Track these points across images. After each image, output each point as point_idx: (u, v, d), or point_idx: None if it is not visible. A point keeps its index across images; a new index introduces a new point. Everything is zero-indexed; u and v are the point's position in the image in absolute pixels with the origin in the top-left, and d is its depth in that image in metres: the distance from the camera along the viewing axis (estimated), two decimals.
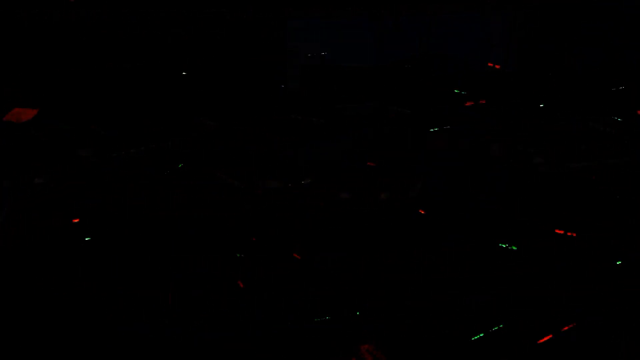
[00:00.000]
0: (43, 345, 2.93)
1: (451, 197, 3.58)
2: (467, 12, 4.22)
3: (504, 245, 3.22)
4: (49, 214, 3.51)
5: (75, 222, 3.47)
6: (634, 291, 3.08)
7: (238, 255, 3.29)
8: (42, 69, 4.44)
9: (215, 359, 2.88)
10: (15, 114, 4.09)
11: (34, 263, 3.26)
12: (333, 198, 3.59)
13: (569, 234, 3.30)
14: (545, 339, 2.90)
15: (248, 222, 3.47)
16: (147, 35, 4.22)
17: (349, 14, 4.00)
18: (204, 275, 3.21)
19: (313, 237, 3.39)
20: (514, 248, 3.25)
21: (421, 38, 4.10)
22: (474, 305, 3.06)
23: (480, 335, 2.92)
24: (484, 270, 3.21)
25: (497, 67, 3.32)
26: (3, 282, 3.17)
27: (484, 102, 4.02)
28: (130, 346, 2.93)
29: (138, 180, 3.70)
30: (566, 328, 2.95)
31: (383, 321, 3.01)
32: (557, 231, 3.32)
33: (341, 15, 4.13)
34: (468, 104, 3.56)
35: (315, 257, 3.29)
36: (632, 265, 3.20)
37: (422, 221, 3.45)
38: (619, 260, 3.23)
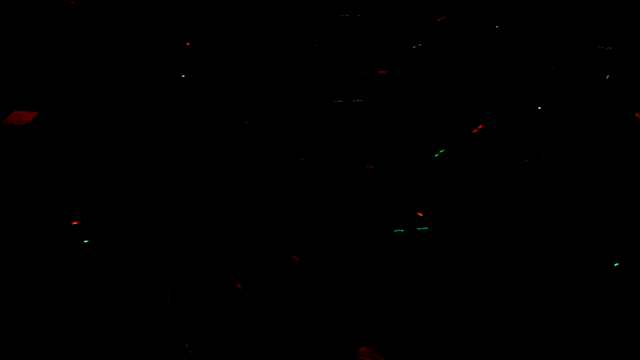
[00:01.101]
0: (42, 346, 2.94)
1: (450, 199, 3.58)
2: None
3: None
4: (48, 216, 3.51)
5: (75, 225, 3.47)
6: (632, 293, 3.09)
7: (236, 256, 3.30)
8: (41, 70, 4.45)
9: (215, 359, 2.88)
10: (16, 117, 4.10)
11: (33, 266, 3.27)
12: (332, 200, 3.59)
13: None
14: None
15: (246, 223, 3.47)
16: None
17: None
18: (202, 278, 3.22)
19: (312, 239, 3.39)
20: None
21: None
22: (472, 306, 3.07)
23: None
24: (482, 271, 3.21)
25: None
26: (3, 283, 3.18)
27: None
28: (129, 349, 2.93)
29: (136, 180, 3.71)
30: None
31: (381, 323, 3.01)
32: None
33: None
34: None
35: (313, 259, 3.29)
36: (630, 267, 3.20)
37: (420, 223, 3.45)
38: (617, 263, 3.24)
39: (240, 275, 3.23)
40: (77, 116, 4.14)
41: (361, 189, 3.65)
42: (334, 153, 3.87)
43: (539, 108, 4.13)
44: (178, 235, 3.42)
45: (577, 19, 4.85)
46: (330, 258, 3.30)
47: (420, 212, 3.51)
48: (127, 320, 3.04)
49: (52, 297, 3.13)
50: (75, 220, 3.50)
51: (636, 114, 4.05)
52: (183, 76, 4.42)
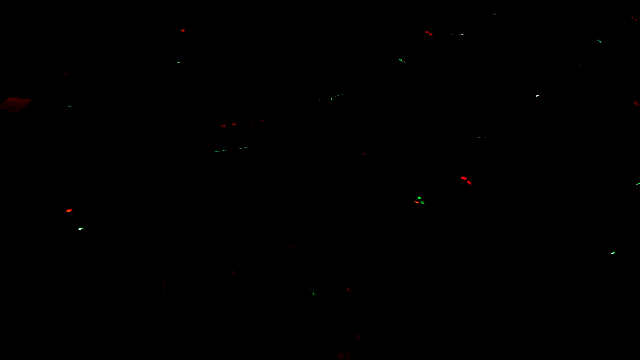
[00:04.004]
0: (35, 327, 2.93)
1: (447, 189, 3.57)
2: None
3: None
4: (44, 205, 3.50)
5: (69, 212, 3.46)
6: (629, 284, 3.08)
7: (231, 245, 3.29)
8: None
9: (210, 347, 2.87)
10: (9, 103, 4.08)
11: (28, 252, 3.25)
12: (328, 187, 3.58)
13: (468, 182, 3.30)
14: None
15: (242, 211, 3.46)
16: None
17: None
18: (197, 264, 3.21)
19: (307, 226, 3.38)
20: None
21: None
22: (466, 297, 3.06)
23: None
24: (480, 264, 3.20)
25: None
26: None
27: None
28: (125, 336, 2.92)
29: (130, 168, 3.69)
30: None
31: (378, 312, 3.01)
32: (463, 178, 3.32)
33: None
34: None
35: (309, 246, 3.28)
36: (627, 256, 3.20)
37: (417, 212, 3.44)
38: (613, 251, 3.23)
39: (236, 262, 3.22)
40: (71, 103, 4.12)
41: (357, 176, 3.63)
42: (330, 141, 3.85)
43: (537, 96, 4.11)
44: (173, 222, 3.41)
45: (574, 12, 4.83)
46: (326, 245, 3.28)
47: (417, 200, 3.50)
48: (122, 305, 3.03)
49: (46, 283, 3.12)
50: (69, 208, 3.48)
51: (634, 102, 4.04)
52: (178, 63, 4.39)
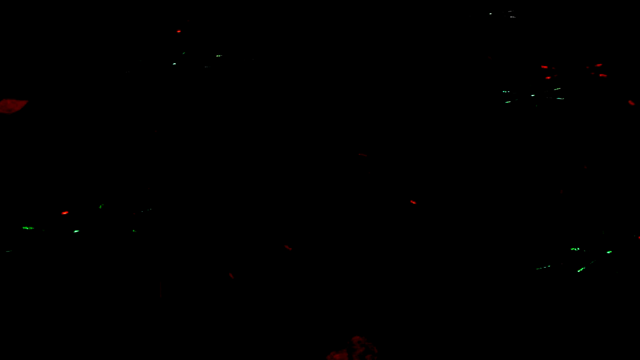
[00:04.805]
0: (30, 330, 2.92)
1: (445, 189, 3.57)
2: None
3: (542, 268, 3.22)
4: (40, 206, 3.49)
5: (65, 215, 3.45)
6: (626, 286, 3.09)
7: (228, 246, 3.29)
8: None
9: (207, 349, 2.87)
10: (5, 105, 4.07)
11: (24, 256, 3.25)
12: (325, 188, 3.58)
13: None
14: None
15: (239, 212, 3.46)
16: None
17: None
18: (194, 267, 3.20)
19: (304, 228, 3.38)
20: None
21: None
22: (465, 297, 3.06)
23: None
24: (477, 264, 3.20)
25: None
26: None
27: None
28: (121, 339, 2.92)
29: (126, 169, 3.69)
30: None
31: (375, 313, 3.01)
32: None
33: None
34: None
35: (306, 248, 3.28)
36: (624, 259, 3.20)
37: (414, 212, 3.44)
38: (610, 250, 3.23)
39: (233, 264, 3.21)
40: (67, 105, 4.11)
41: (354, 177, 3.63)
42: (327, 141, 3.85)
43: (532, 95, 4.12)
44: (169, 224, 3.41)
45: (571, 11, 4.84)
46: (323, 247, 3.28)
47: (413, 201, 3.49)
48: (118, 308, 3.03)
49: (43, 285, 3.11)
50: (65, 210, 3.47)
51: (629, 101, 4.04)
52: (174, 64, 4.39)
